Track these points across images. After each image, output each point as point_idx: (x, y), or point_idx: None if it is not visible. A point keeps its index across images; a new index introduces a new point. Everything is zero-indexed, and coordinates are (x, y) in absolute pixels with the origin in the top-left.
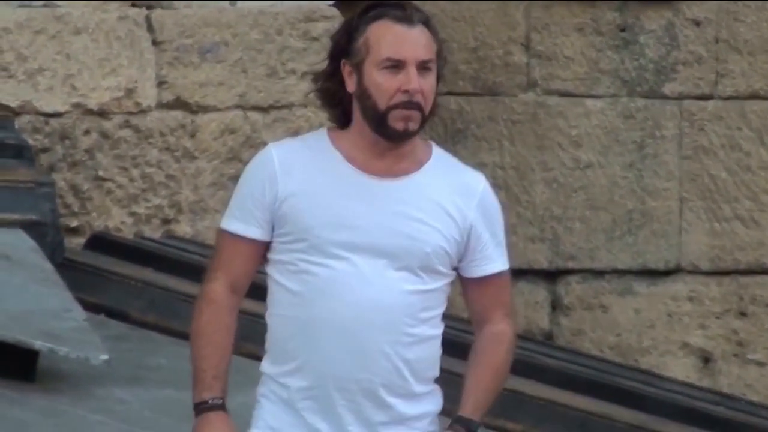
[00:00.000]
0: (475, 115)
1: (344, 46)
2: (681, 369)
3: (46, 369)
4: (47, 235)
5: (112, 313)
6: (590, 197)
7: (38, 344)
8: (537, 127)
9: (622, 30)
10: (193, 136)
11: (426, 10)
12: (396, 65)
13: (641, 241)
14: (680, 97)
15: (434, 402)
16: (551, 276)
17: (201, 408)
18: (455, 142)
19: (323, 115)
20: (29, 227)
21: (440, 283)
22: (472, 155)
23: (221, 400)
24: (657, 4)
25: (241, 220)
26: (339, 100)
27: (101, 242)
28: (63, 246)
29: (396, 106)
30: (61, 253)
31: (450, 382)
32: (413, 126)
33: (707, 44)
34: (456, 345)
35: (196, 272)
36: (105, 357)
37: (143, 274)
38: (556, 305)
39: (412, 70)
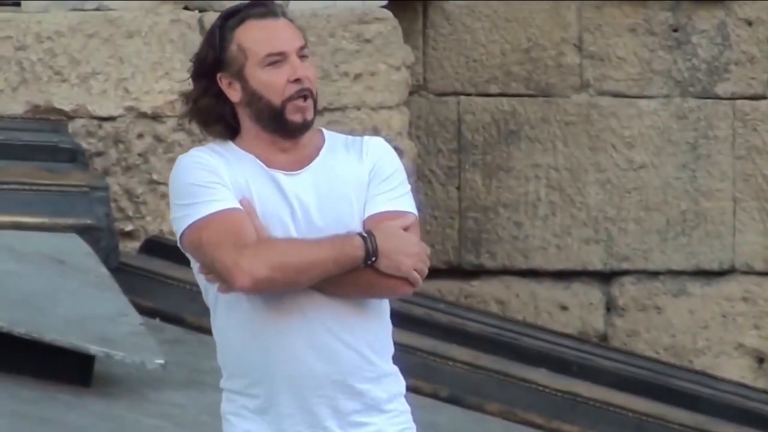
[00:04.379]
0: (528, 117)
1: (214, 60)
2: (735, 370)
3: (101, 374)
4: (102, 239)
5: (168, 317)
6: (644, 198)
7: (94, 349)
8: (590, 128)
9: (675, 30)
10: None
11: (479, 11)
12: (278, 59)
13: (695, 242)
14: (733, 98)
15: (399, 383)
16: (606, 277)
17: (372, 243)
18: (509, 143)
19: (378, 117)
20: (84, 232)
21: None
22: (526, 157)
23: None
24: (709, 4)
25: (221, 200)
26: (218, 116)
27: (156, 246)
28: (118, 250)
29: (290, 98)
30: (116, 257)
31: (505, 383)
32: (309, 115)
33: (759, 44)
34: (509, 346)
35: None
36: (160, 361)
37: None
38: (610, 306)
39: (295, 59)
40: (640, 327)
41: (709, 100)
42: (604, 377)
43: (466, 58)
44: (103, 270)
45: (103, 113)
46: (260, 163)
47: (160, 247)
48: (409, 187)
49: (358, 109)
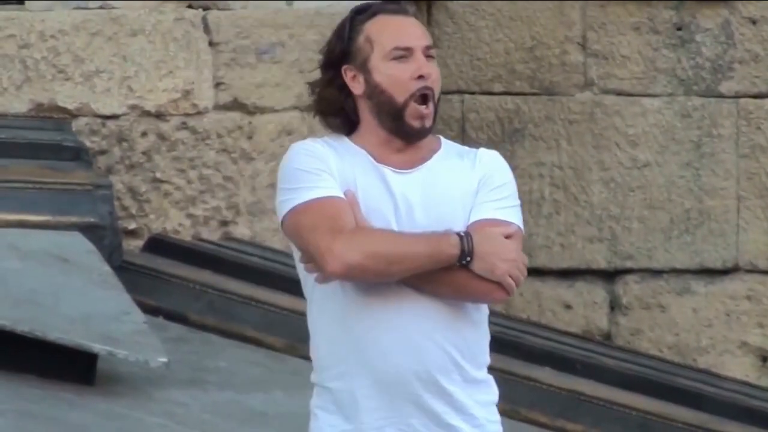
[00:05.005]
0: (533, 115)
1: (342, 52)
2: (739, 368)
3: (105, 372)
4: (105, 237)
5: (171, 316)
6: (648, 197)
7: (97, 347)
8: (594, 126)
9: (679, 29)
10: (250, 137)
11: (483, 10)
12: (404, 54)
13: (699, 241)
14: (737, 96)
15: (492, 392)
16: (609, 276)
17: (468, 243)
18: (512, 141)
19: None
20: (87, 230)
21: None
22: (530, 155)
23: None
24: (713, 3)
25: (324, 187)
26: (339, 108)
27: (159, 244)
28: (121, 248)
29: (412, 97)
30: (120, 255)
31: (509, 382)
32: (429, 123)
33: (764, 42)
34: (513, 345)
35: (254, 274)
36: (164, 360)
37: (201, 277)
38: (614, 305)
39: (421, 56)
40: (644, 325)
41: (713, 99)
42: (608, 376)
43: (470, 57)
44: (107, 268)
45: (107, 111)
46: (370, 158)
47: (164, 246)
48: (518, 202)
49: None
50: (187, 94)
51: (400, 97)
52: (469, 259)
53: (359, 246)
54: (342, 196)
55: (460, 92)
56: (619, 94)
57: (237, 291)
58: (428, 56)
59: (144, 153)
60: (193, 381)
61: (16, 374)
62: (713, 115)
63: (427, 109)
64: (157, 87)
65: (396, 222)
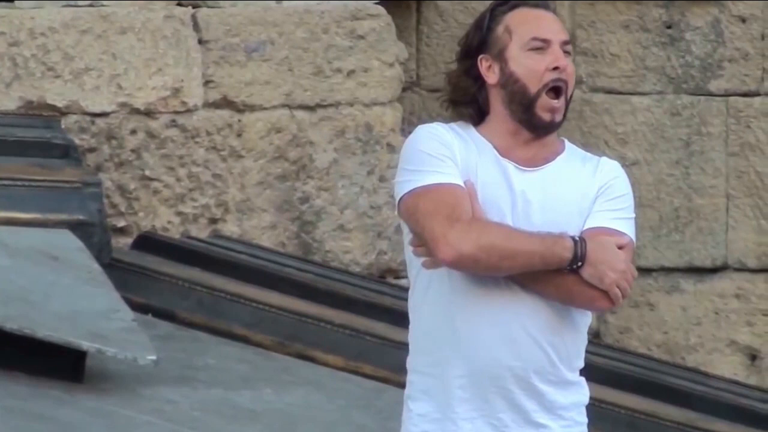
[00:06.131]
0: None
1: (480, 42)
2: (728, 366)
3: (94, 369)
4: (94, 235)
5: (160, 313)
6: (637, 195)
7: (86, 345)
8: (583, 124)
9: (668, 27)
10: (239, 135)
11: (473, 8)
12: (541, 46)
13: (688, 239)
14: (726, 94)
15: (582, 393)
16: None
17: (581, 249)
18: None
19: (371, 114)
20: (76, 227)
21: None
22: None
23: (574, 235)
24: (703, 1)
25: (445, 173)
26: (472, 98)
27: (148, 242)
28: (110, 246)
29: (545, 87)
30: (109, 253)
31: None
32: (559, 117)
33: (753, 41)
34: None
35: (243, 272)
36: (153, 357)
37: (190, 274)
38: None
39: (558, 49)
40: (633, 324)
41: (703, 97)
42: (596, 374)
43: None
44: (96, 266)
45: (96, 109)
46: (495, 151)
47: (153, 243)
48: (633, 215)
49: (351, 105)
50: (176, 91)
51: (533, 87)
52: (580, 264)
53: (474, 237)
54: (461, 184)
55: None
56: (609, 92)
57: (226, 288)
58: (565, 52)
59: (133, 151)
60: (181, 378)
61: (4, 371)
62: (702, 114)
63: (558, 103)
64: (147, 85)
65: (512, 218)
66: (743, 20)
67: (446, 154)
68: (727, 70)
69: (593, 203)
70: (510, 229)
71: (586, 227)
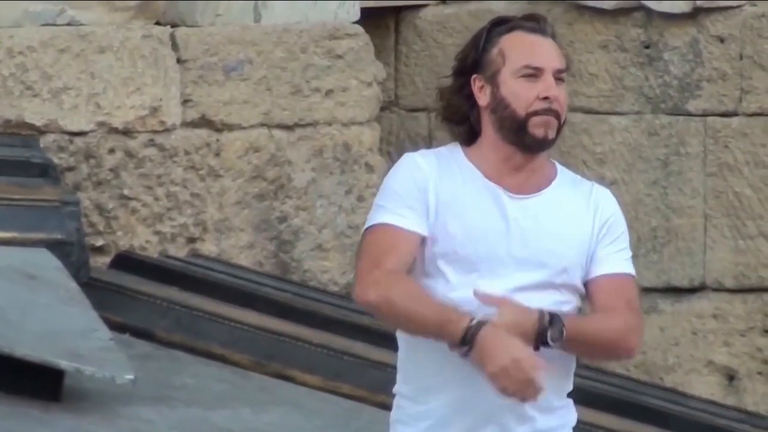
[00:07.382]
0: None
1: (474, 61)
2: (706, 387)
3: (71, 389)
4: (72, 254)
5: (138, 333)
6: None
7: (64, 364)
8: (561, 144)
9: (647, 47)
10: (217, 154)
11: (451, 27)
12: (533, 73)
13: (666, 259)
14: (705, 114)
15: (570, 414)
16: None
17: (472, 332)
18: None
19: (349, 133)
20: (54, 246)
21: (575, 297)
22: None
23: (481, 318)
24: (681, 21)
25: (401, 215)
26: (464, 116)
27: (126, 261)
28: (88, 265)
29: (536, 113)
30: (87, 272)
31: None
32: (552, 134)
33: (731, 61)
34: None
35: (221, 291)
36: (131, 376)
37: (169, 293)
38: None
39: (550, 78)
40: None
41: (681, 117)
42: (574, 394)
43: (437, 75)
44: (74, 285)
45: (75, 128)
46: (484, 177)
47: (131, 263)
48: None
49: (329, 124)
50: (154, 111)
51: (521, 112)
52: (467, 349)
53: (382, 288)
54: (410, 229)
55: (428, 110)
56: (587, 112)
57: (204, 308)
58: (558, 79)
59: (111, 170)
60: (159, 398)
61: None
62: (681, 134)
63: (548, 117)
64: (125, 104)
65: (507, 245)
66: (721, 40)
67: (414, 195)
68: (706, 90)
69: (596, 242)
70: (419, 292)
71: (603, 272)
